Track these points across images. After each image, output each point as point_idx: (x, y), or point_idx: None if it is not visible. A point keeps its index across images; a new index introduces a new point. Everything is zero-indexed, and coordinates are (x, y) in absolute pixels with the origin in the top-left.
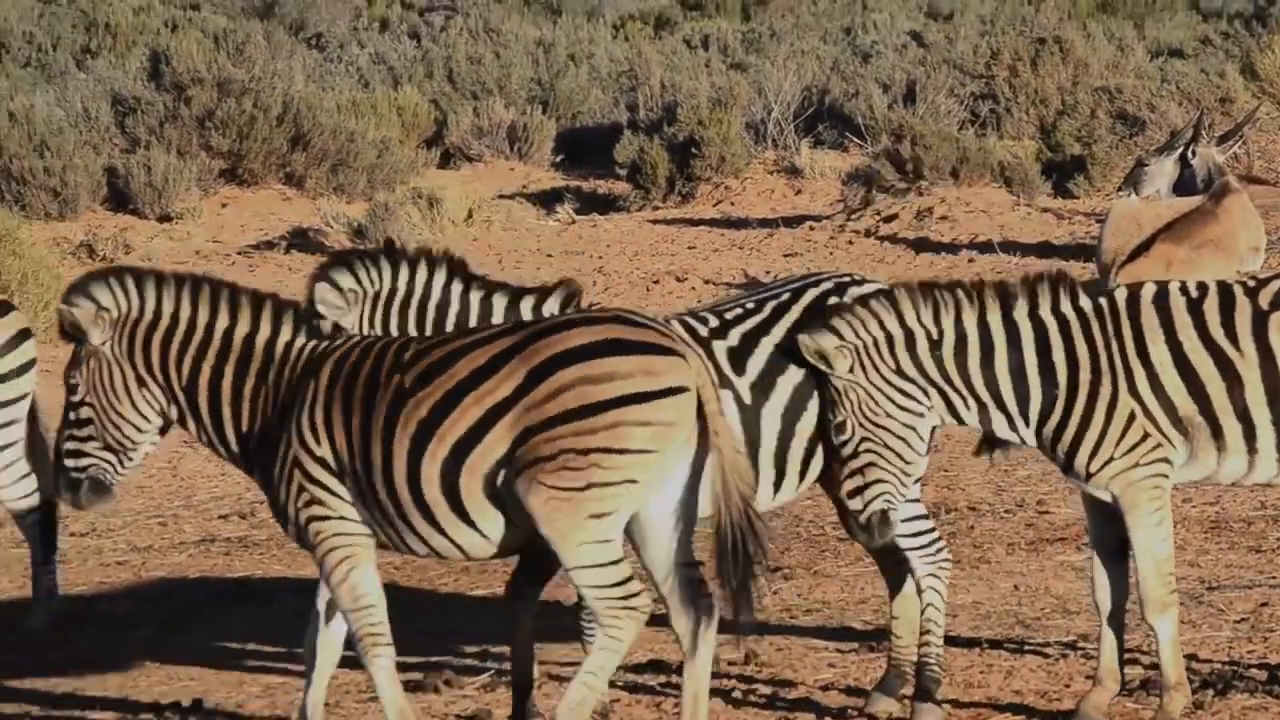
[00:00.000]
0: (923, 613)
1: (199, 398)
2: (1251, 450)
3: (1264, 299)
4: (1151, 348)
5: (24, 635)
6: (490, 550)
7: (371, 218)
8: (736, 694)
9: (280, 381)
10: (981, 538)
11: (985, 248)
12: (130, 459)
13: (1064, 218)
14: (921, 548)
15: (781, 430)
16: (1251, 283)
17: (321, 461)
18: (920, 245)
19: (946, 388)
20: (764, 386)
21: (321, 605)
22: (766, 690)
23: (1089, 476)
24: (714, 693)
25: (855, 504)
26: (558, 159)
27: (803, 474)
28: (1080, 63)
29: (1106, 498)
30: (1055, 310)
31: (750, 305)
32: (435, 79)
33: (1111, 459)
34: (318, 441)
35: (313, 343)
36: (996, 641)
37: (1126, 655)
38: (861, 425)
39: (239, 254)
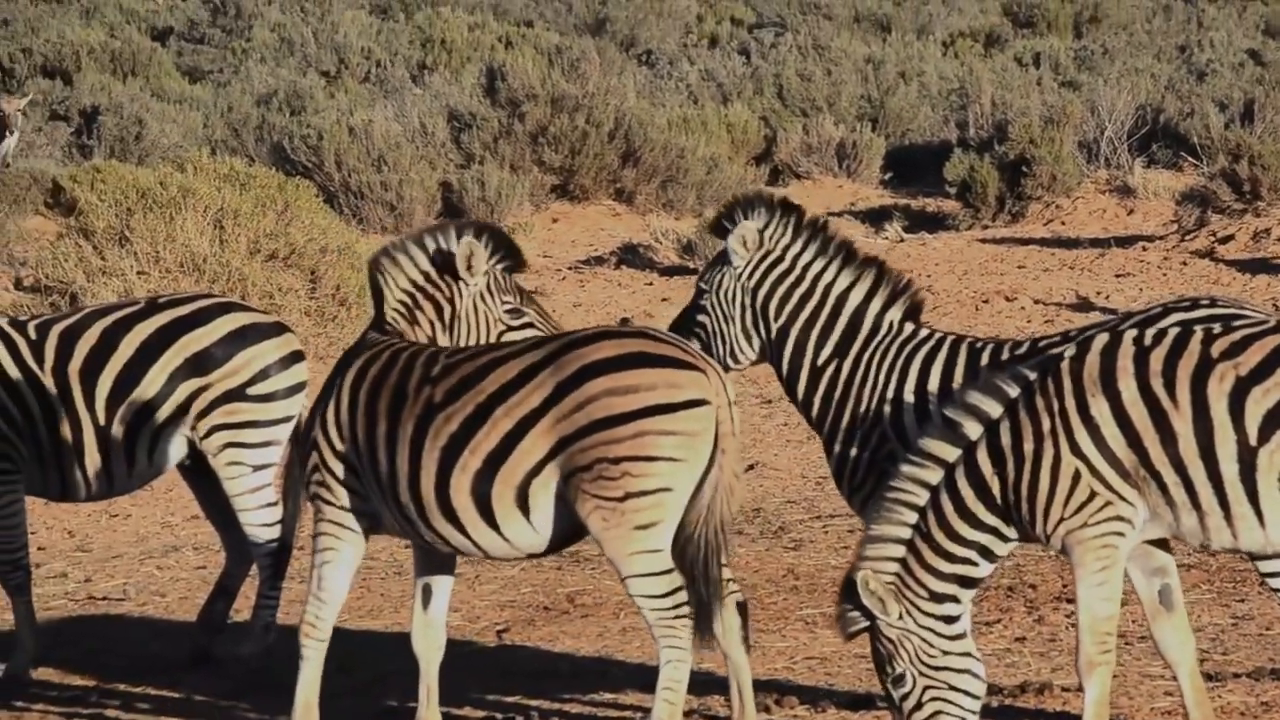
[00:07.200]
0: None
1: None
2: (1197, 508)
3: (1216, 349)
4: (1091, 401)
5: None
6: (509, 550)
7: (700, 234)
8: None
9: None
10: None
11: None
12: None
13: None
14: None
15: None
16: (1217, 328)
17: (341, 456)
18: (1256, 267)
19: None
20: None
21: (419, 590)
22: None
23: (1047, 538)
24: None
25: None
26: (886, 177)
27: None
28: None
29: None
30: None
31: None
32: (765, 96)
33: (1062, 519)
34: (341, 438)
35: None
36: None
37: None
38: (921, 674)
39: (569, 269)
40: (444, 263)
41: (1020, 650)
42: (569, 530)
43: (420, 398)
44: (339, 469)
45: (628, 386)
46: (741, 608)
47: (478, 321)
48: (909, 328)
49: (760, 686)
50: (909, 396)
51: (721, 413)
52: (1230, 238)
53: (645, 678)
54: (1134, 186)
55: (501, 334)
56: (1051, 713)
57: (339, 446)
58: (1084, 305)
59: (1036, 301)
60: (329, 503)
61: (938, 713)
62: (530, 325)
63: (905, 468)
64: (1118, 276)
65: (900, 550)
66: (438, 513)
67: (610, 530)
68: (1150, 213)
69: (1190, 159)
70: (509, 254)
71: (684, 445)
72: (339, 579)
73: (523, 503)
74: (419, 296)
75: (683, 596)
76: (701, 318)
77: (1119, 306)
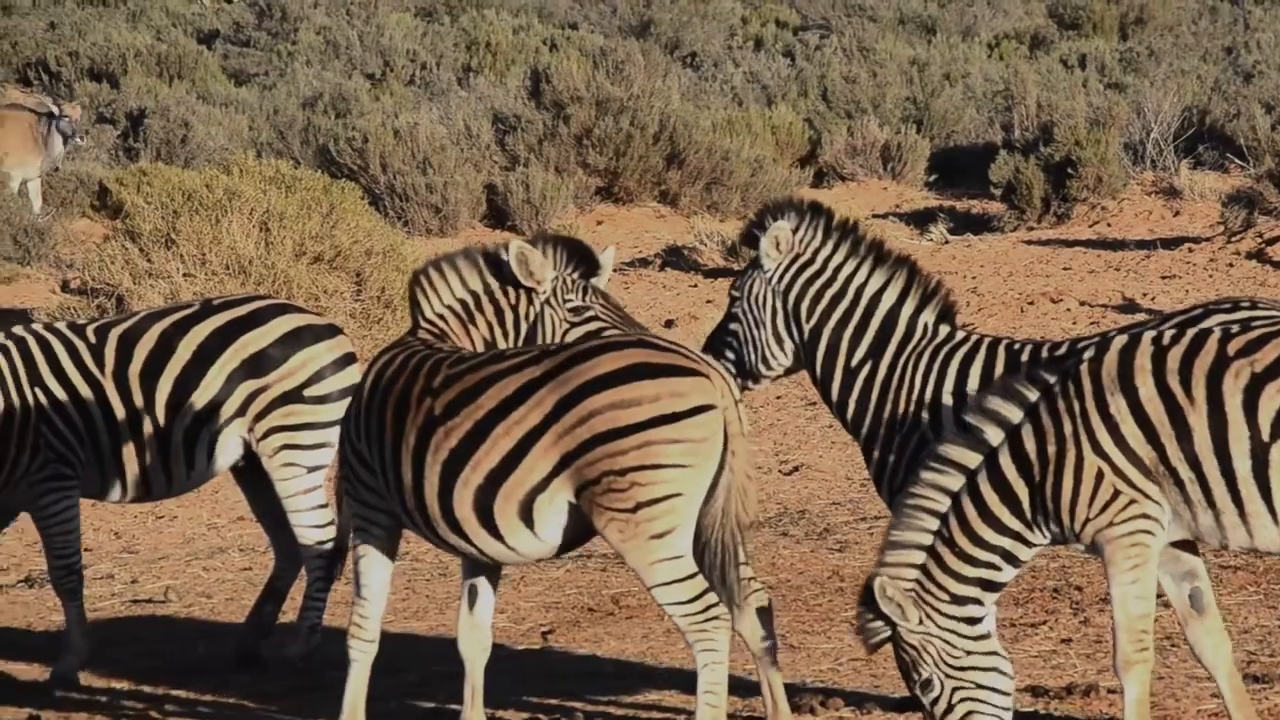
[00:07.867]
0: None
1: None
2: (1211, 505)
3: (1233, 346)
4: (1110, 400)
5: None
6: (514, 558)
7: None
8: None
9: None
10: None
11: None
12: None
13: None
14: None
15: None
16: (1235, 328)
17: (359, 455)
18: None
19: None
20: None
21: (465, 590)
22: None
23: (1078, 538)
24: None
25: None
26: (931, 179)
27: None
28: None
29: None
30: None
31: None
32: (809, 98)
33: (1088, 519)
34: (358, 437)
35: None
36: None
37: None
38: (948, 676)
39: (614, 271)
40: (506, 273)
41: (1066, 652)
42: (575, 536)
43: (421, 408)
44: (359, 467)
45: (631, 400)
46: (765, 608)
47: (545, 326)
48: (944, 330)
49: (805, 689)
50: (948, 399)
51: (729, 415)
52: (1277, 239)
53: (689, 679)
54: (1180, 188)
55: (566, 331)
56: (1097, 715)
57: (358, 445)
58: (1130, 307)
59: (1082, 303)
60: (356, 499)
61: (970, 713)
62: (595, 319)
63: (925, 474)
64: (1164, 278)
65: (920, 556)
66: (442, 521)
67: (628, 541)
68: (1196, 214)
69: (1236, 160)
70: (582, 261)
71: (691, 451)
72: (376, 574)
73: (526, 516)
74: (483, 300)
75: (712, 599)
76: (734, 326)
77: (1165, 308)
